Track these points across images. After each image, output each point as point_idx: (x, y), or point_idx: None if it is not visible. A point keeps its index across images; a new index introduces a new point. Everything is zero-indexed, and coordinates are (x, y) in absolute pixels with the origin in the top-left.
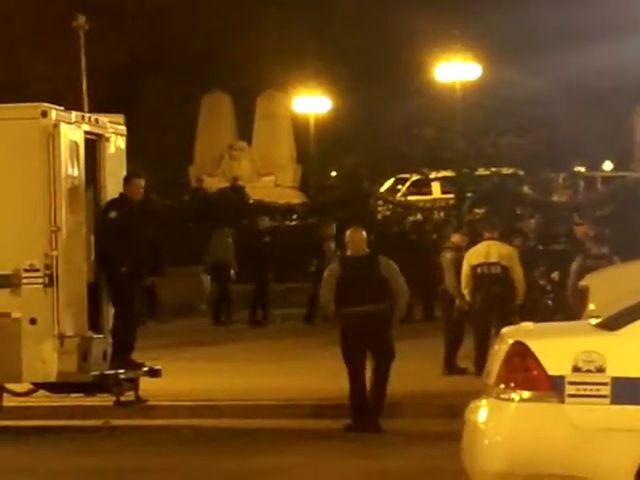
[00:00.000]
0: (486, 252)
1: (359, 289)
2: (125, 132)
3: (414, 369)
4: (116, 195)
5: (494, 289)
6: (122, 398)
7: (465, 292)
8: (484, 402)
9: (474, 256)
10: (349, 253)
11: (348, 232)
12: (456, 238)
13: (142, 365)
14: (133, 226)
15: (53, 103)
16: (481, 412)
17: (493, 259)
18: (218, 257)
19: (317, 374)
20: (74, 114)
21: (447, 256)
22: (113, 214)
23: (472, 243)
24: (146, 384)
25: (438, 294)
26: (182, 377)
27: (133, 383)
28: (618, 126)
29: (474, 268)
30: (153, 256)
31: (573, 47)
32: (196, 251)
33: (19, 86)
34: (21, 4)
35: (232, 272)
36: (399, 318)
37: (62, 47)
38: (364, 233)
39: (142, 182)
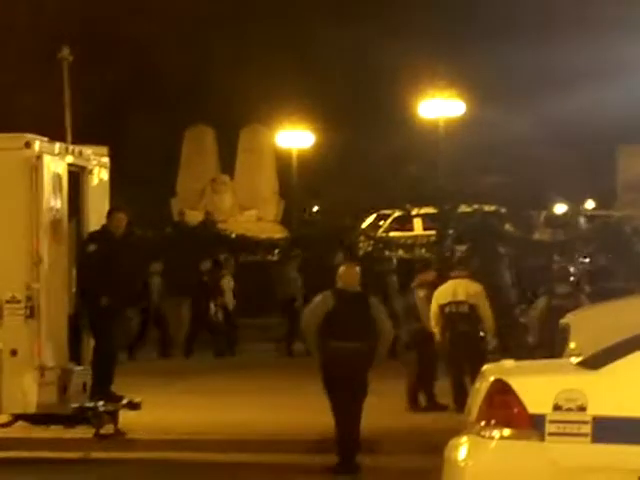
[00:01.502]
0: (453, 291)
1: (349, 325)
2: (108, 164)
3: (387, 405)
4: (98, 227)
5: (462, 327)
6: (101, 431)
7: (435, 331)
8: (464, 439)
9: (442, 295)
10: (341, 287)
11: (343, 267)
12: (426, 276)
13: (122, 398)
14: (114, 259)
15: (37, 134)
16: (461, 449)
17: (460, 298)
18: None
19: (300, 408)
20: (58, 145)
21: (420, 294)
22: (92, 247)
23: (442, 280)
24: (126, 417)
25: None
26: (162, 410)
27: (113, 416)
28: (600, 166)
29: (442, 307)
30: (135, 289)
31: (556, 87)
32: (177, 284)
33: (2, 117)
34: (5, 35)
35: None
36: (381, 359)
37: (46, 78)
38: (358, 269)
39: (123, 216)
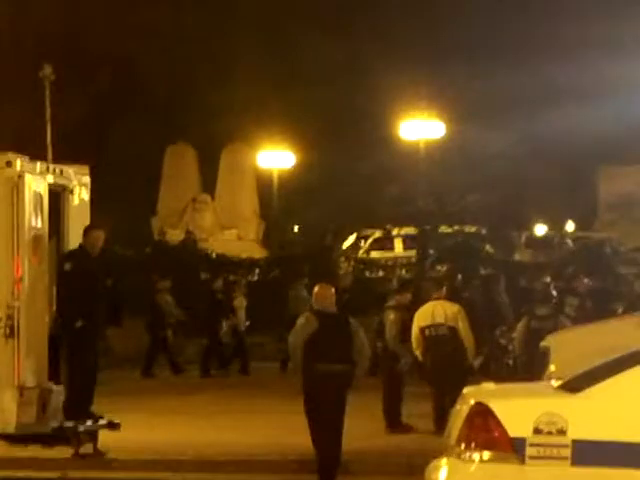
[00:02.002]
0: (432, 313)
1: (333, 346)
2: (89, 183)
3: (366, 425)
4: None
5: (442, 350)
6: (81, 450)
7: (417, 353)
8: (444, 461)
9: (421, 318)
10: (320, 308)
11: (317, 288)
12: (403, 298)
13: (100, 417)
14: (90, 278)
15: (17, 151)
16: (442, 471)
17: (439, 320)
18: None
19: (282, 427)
20: (39, 165)
21: (390, 316)
22: (68, 266)
23: (416, 301)
24: (105, 437)
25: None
26: (142, 430)
27: (92, 435)
28: (581, 184)
29: (422, 330)
30: (112, 307)
31: (536, 107)
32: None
33: None
34: None
35: None
36: (358, 380)
37: (27, 96)
38: (333, 290)
39: (100, 234)
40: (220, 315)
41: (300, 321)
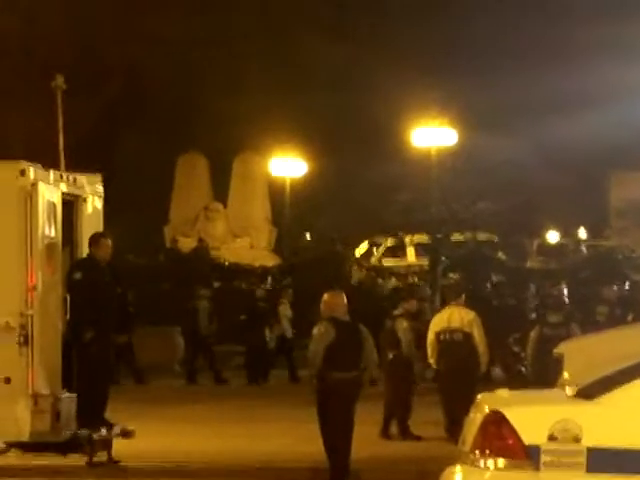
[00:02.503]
0: (448, 318)
1: (348, 354)
2: (102, 192)
3: (372, 433)
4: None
5: (456, 355)
6: (94, 458)
7: (431, 361)
8: (459, 469)
9: (437, 323)
10: (336, 316)
11: (328, 296)
12: (409, 305)
13: (113, 425)
14: (100, 286)
15: (29, 160)
16: (456, 479)
17: (455, 325)
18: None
19: (293, 436)
20: (52, 173)
21: (403, 324)
22: (78, 275)
23: (420, 309)
24: (119, 445)
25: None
26: (156, 438)
27: (106, 443)
28: (592, 192)
29: (437, 335)
30: (122, 316)
31: (549, 114)
32: (170, 311)
33: None
34: None
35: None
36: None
37: (39, 105)
38: (344, 297)
39: (109, 242)
40: (263, 323)
41: (319, 329)
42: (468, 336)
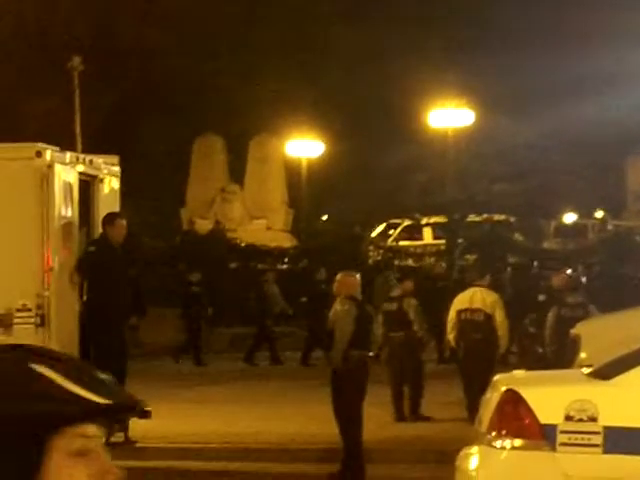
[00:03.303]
0: (470, 298)
1: (367, 334)
2: (119, 173)
3: (383, 414)
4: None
5: (476, 336)
6: (111, 439)
7: (450, 337)
8: (476, 449)
9: (460, 302)
10: (352, 295)
11: (342, 276)
12: (403, 285)
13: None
14: (114, 267)
15: (47, 143)
16: (472, 459)
17: (476, 305)
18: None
19: (309, 417)
20: (69, 155)
21: (412, 301)
22: (92, 255)
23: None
24: (136, 425)
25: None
26: (172, 419)
27: (123, 424)
28: (609, 174)
29: (459, 313)
30: (135, 297)
31: (566, 96)
32: (186, 293)
33: (14, 126)
34: (16, 45)
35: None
36: None
37: (57, 87)
38: (358, 277)
39: (124, 222)
40: (324, 306)
41: (344, 308)
42: (489, 317)
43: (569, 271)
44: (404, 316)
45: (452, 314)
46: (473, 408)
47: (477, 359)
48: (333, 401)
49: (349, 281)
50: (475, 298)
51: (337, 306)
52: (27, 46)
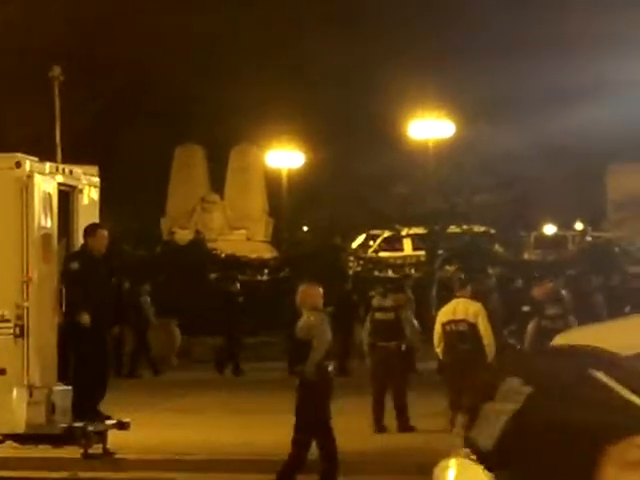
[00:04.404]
0: (453, 310)
1: (332, 345)
2: (99, 184)
3: (364, 425)
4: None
5: (461, 346)
6: (90, 450)
7: (437, 351)
8: (453, 461)
9: (443, 314)
10: (318, 307)
11: (308, 287)
12: (396, 297)
13: (108, 417)
14: (95, 278)
15: (27, 153)
16: (450, 471)
17: (460, 316)
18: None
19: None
20: (48, 165)
21: (409, 314)
22: (74, 266)
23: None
24: (114, 437)
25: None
26: (152, 430)
27: (101, 435)
28: (589, 185)
29: (444, 326)
30: (115, 307)
31: (546, 107)
32: (167, 303)
33: None
34: None
35: None
36: None
37: (37, 97)
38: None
39: (105, 233)
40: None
41: (318, 319)
42: (473, 326)
43: (550, 283)
44: (399, 326)
45: (437, 327)
46: (455, 419)
47: (465, 369)
48: (301, 412)
49: (314, 292)
50: (458, 309)
51: (309, 317)
52: (8, 57)
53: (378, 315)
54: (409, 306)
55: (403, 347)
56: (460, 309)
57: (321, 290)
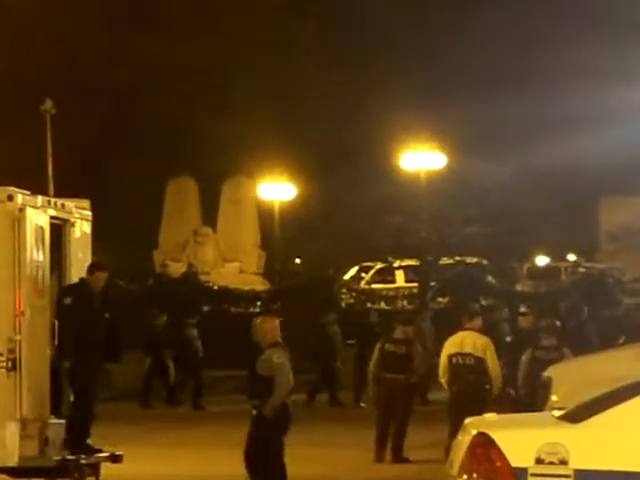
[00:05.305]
0: (460, 342)
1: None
2: (91, 217)
3: (362, 456)
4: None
5: (467, 379)
6: None
7: (442, 381)
8: None
9: (451, 345)
10: (278, 342)
11: (266, 321)
12: (405, 329)
13: (99, 451)
14: (91, 313)
15: (19, 186)
16: None
17: (467, 350)
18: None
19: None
20: (40, 198)
21: (419, 347)
22: (68, 300)
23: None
24: (107, 470)
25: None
26: (144, 463)
27: (94, 468)
28: (582, 217)
29: (450, 358)
30: (111, 342)
31: (538, 138)
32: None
33: None
34: None
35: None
36: None
37: (28, 130)
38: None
39: (105, 275)
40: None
41: (279, 358)
42: (480, 361)
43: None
44: (410, 360)
45: (443, 358)
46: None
47: (470, 400)
48: (255, 447)
49: (272, 325)
50: (465, 342)
51: (272, 356)
52: None
53: (389, 347)
54: (429, 336)
55: (413, 379)
56: (468, 342)
57: (278, 323)
